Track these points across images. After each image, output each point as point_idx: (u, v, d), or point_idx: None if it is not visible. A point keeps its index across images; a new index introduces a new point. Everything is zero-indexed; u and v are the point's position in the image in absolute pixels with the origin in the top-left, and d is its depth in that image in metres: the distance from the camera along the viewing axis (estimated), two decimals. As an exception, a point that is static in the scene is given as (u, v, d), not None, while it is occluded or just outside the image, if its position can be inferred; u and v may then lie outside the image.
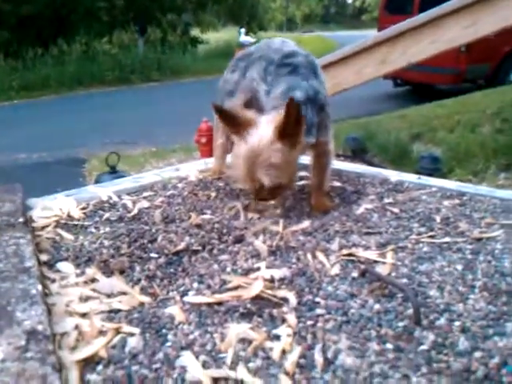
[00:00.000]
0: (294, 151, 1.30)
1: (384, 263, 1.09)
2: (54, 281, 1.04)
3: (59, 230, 1.29)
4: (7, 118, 9.09)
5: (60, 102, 10.69)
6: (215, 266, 1.09)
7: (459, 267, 1.07)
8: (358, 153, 5.37)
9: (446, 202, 1.47)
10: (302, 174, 1.82)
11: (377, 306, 0.92)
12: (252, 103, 1.39)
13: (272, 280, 1.01)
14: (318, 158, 1.53)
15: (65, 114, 9.30)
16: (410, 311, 0.89)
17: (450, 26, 4.26)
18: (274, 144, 1.27)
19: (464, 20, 4.17)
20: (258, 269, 1.06)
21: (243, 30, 7.16)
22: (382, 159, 5.23)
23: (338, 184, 1.70)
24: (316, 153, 1.51)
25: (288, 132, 1.26)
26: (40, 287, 0.90)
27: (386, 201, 1.50)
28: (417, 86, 10.01)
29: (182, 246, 1.18)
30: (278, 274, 1.03)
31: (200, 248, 1.18)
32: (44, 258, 1.13)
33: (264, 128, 1.29)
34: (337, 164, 1.94)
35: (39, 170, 5.82)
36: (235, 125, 1.33)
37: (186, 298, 0.97)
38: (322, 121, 1.44)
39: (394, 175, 1.77)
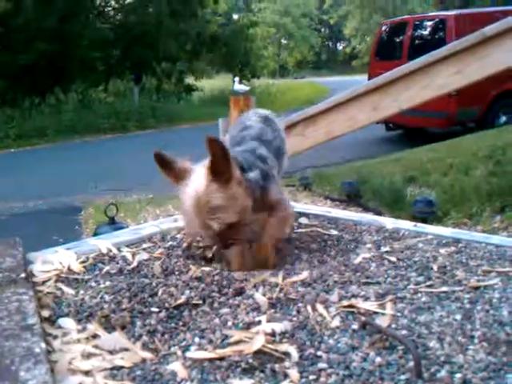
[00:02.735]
0: (230, 187, 1.30)
1: (384, 314, 1.10)
2: (55, 337, 1.04)
3: (60, 285, 1.29)
4: (3, 166, 9.16)
5: (56, 150, 10.78)
6: (216, 320, 1.10)
7: (458, 317, 1.08)
8: (352, 197, 5.42)
9: (442, 250, 1.49)
10: (301, 220, 1.85)
11: (378, 359, 0.92)
12: None
13: (273, 334, 1.01)
14: (271, 213, 1.50)
15: (61, 162, 9.38)
16: (411, 364, 0.90)
17: (440, 72, 4.36)
18: (209, 186, 1.28)
19: (453, 67, 4.28)
20: (259, 322, 1.06)
21: (237, 79, 7.33)
22: (376, 203, 5.27)
23: (335, 232, 1.72)
24: (268, 206, 1.48)
25: (218, 168, 1.27)
26: (44, 345, 0.91)
27: (383, 249, 1.52)
28: (409, 130, 10.17)
29: (182, 299, 1.19)
30: (278, 327, 1.03)
31: (200, 301, 1.19)
32: (45, 313, 1.13)
33: (197, 175, 1.32)
34: (334, 212, 1.97)
35: (35, 219, 5.83)
36: (172, 173, 1.37)
37: (187, 354, 0.97)
38: (269, 170, 1.47)
39: (389, 222, 1.79)
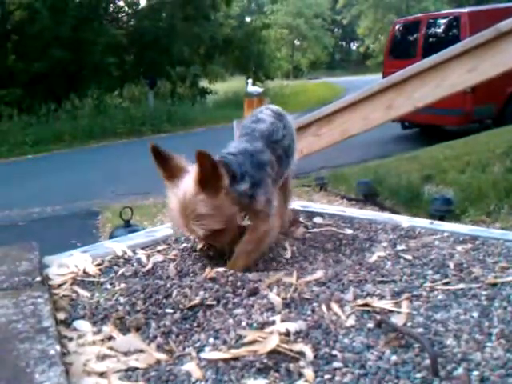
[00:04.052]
0: (218, 197, 1.33)
1: (399, 313, 1.08)
2: (71, 339, 1.04)
3: (75, 288, 1.30)
4: (21, 172, 9.26)
5: (73, 156, 10.88)
6: (230, 321, 1.09)
7: (475, 314, 1.07)
8: (369, 197, 5.39)
9: (458, 247, 1.47)
10: (316, 220, 1.84)
11: (394, 358, 0.91)
12: None
13: (287, 333, 1.01)
14: (254, 224, 1.48)
15: (77, 167, 9.46)
16: (428, 362, 0.89)
17: (454, 70, 4.32)
18: (198, 195, 1.31)
19: (467, 64, 4.24)
20: (274, 322, 1.06)
21: (250, 81, 7.33)
22: (393, 202, 5.23)
23: (350, 231, 1.71)
24: (253, 215, 1.48)
25: (206, 181, 1.30)
26: (58, 347, 0.91)
27: (399, 248, 1.51)
28: (425, 128, 10.10)
29: (196, 300, 1.19)
30: (293, 327, 1.02)
31: (215, 302, 1.18)
32: (61, 316, 1.14)
33: (188, 180, 1.34)
34: (349, 211, 1.96)
35: (53, 224, 5.88)
36: (167, 169, 1.40)
37: (202, 354, 0.97)
38: (262, 179, 1.46)
39: (405, 221, 1.77)
